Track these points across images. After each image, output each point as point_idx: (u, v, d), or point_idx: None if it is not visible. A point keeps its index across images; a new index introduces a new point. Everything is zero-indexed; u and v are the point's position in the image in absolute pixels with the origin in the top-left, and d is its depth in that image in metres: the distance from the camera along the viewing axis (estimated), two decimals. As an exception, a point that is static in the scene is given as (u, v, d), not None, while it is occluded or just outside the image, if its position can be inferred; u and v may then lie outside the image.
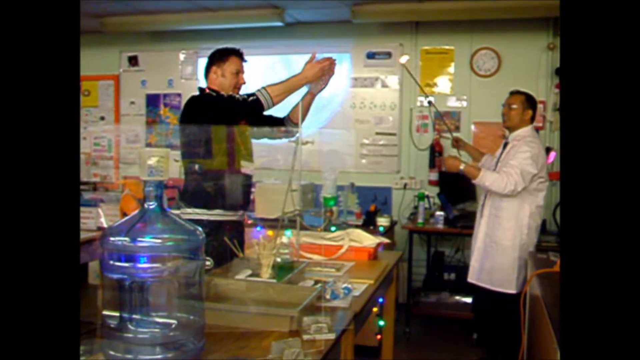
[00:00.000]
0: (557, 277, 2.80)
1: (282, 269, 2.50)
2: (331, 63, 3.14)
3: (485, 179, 3.65)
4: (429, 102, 4.78)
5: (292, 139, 2.88)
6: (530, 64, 5.48)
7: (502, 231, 3.75)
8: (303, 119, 3.17)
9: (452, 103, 5.68)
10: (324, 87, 3.24)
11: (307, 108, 3.27)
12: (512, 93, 3.97)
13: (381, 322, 3.46)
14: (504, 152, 3.87)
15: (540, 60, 5.45)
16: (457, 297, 4.97)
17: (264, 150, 5.99)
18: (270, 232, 3.00)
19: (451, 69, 5.62)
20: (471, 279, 3.95)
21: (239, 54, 3.28)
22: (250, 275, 2.55)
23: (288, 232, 3.01)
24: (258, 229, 4.56)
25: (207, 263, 2.49)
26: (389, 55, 5.76)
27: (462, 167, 3.71)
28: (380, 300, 3.20)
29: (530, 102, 3.84)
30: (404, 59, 4.48)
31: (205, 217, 3.09)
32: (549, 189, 5.44)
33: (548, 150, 5.36)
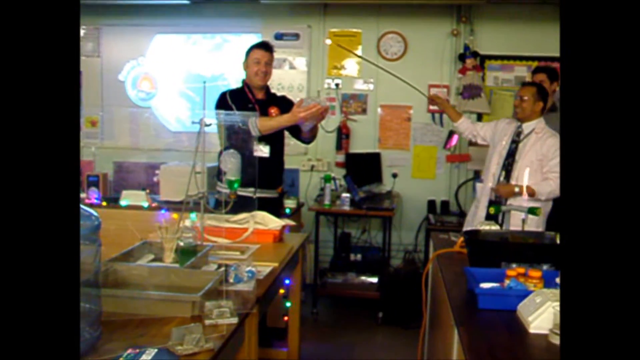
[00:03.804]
0: (456, 256, 2.94)
1: (185, 253, 2.45)
2: (318, 109, 3.45)
3: (542, 193, 3.81)
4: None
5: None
6: (435, 49, 5.60)
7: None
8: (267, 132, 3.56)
9: (359, 86, 5.73)
10: (311, 126, 3.62)
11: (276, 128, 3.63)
12: (524, 85, 4.07)
13: (288, 304, 3.48)
14: (522, 142, 3.92)
15: (444, 45, 5.59)
16: (363, 278, 5.07)
17: (167, 132, 5.89)
18: (175, 215, 2.94)
19: (358, 51, 5.67)
20: None
21: (261, 46, 3.83)
22: (153, 260, 2.50)
23: (193, 215, 2.97)
24: (162, 211, 4.48)
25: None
26: (297, 36, 5.74)
27: (516, 189, 3.86)
28: (287, 282, 3.21)
29: (541, 94, 3.93)
30: (328, 42, 4.54)
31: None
32: (451, 171, 5.64)
33: (451, 133, 5.52)
